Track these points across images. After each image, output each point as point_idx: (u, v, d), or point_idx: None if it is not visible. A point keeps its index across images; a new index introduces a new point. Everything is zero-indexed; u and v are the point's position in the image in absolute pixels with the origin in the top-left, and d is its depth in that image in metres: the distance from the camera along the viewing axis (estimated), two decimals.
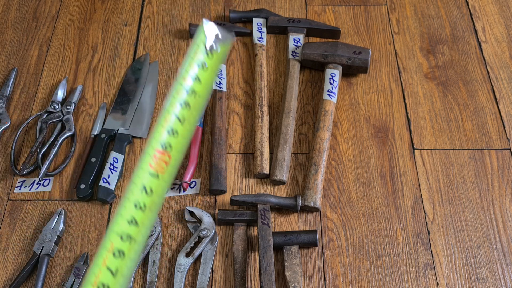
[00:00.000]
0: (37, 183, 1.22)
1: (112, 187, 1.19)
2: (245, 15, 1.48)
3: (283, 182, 1.21)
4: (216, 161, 1.21)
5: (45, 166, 1.20)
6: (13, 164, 1.23)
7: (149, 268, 1.10)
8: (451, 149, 1.26)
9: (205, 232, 1.12)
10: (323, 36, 1.45)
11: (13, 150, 1.24)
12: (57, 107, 1.30)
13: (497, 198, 1.19)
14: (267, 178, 1.22)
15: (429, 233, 1.15)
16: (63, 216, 1.15)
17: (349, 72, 1.37)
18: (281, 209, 1.18)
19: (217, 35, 0.63)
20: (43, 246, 1.11)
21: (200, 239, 1.12)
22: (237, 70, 1.40)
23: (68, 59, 1.43)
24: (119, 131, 1.27)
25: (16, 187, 1.22)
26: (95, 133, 1.28)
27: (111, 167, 1.21)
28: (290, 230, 1.15)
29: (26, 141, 1.28)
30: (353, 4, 1.53)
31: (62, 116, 1.29)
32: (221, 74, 1.36)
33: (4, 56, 1.44)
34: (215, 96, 1.32)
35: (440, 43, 1.45)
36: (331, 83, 1.31)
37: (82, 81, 1.39)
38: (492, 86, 1.36)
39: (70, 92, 1.35)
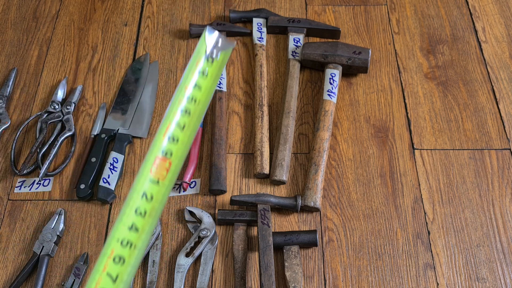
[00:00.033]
0: (37, 183, 1.22)
1: (112, 187, 1.19)
2: (245, 15, 1.48)
3: (283, 182, 1.21)
4: (216, 161, 1.21)
5: (45, 166, 1.20)
6: (13, 164, 1.23)
7: (149, 268, 1.10)
8: (451, 149, 1.26)
9: (205, 232, 1.12)
10: (323, 36, 1.45)
11: (13, 150, 1.24)
12: (57, 107, 1.30)
13: (497, 198, 1.19)
14: (267, 178, 1.22)
15: (429, 233, 1.15)
16: (63, 216, 1.15)
17: (349, 72, 1.37)
18: (281, 209, 1.18)
19: (217, 43, 0.64)
20: (43, 246, 1.11)
21: (200, 239, 1.12)
22: (237, 70, 1.40)
23: (68, 59, 1.43)
24: (119, 131, 1.27)
25: (16, 187, 1.22)
26: (95, 133, 1.28)
27: (111, 167, 1.21)
28: (290, 230, 1.15)
29: (26, 141, 1.28)
30: (353, 4, 1.53)
31: (62, 116, 1.29)
32: (221, 74, 1.36)
33: (4, 56, 1.44)
34: (215, 96, 1.32)
35: (440, 43, 1.45)
36: (331, 83, 1.31)
37: (82, 81, 1.39)
38: (492, 86, 1.36)
39: (70, 92, 1.35)
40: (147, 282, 1.08)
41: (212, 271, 1.11)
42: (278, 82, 1.38)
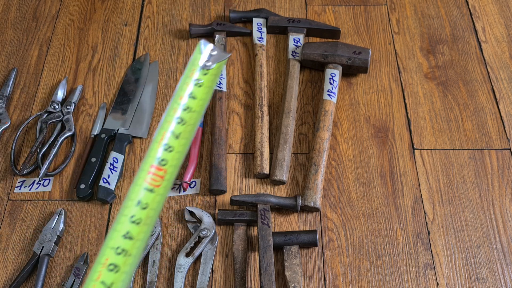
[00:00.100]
0: (37, 183, 1.22)
1: (112, 187, 1.19)
2: (245, 15, 1.48)
3: (283, 182, 1.21)
4: (216, 161, 1.21)
5: (45, 166, 1.20)
6: (13, 164, 1.23)
7: (149, 268, 1.10)
8: (451, 149, 1.26)
9: (205, 232, 1.12)
10: (323, 36, 1.45)
11: (13, 150, 1.24)
12: (57, 107, 1.30)
13: (497, 198, 1.19)
14: (267, 178, 1.22)
15: (429, 233, 1.15)
16: (63, 216, 1.15)
17: (349, 72, 1.37)
18: (281, 209, 1.18)
19: (212, 53, 0.65)
20: (43, 246, 1.11)
21: (200, 239, 1.12)
22: (237, 70, 1.40)
23: (68, 59, 1.43)
24: (119, 131, 1.27)
25: (16, 187, 1.22)
26: (95, 133, 1.28)
27: (111, 167, 1.21)
28: (290, 230, 1.15)
29: (26, 141, 1.28)
30: (353, 4, 1.53)
31: (62, 116, 1.29)
32: (221, 74, 1.36)
33: (4, 56, 1.44)
34: (215, 96, 1.32)
35: (440, 43, 1.45)
36: (331, 83, 1.31)
37: (82, 81, 1.39)
38: (492, 86, 1.36)
39: (70, 92, 1.35)
40: (147, 282, 1.08)
41: (212, 271, 1.11)
42: (278, 82, 1.38)
